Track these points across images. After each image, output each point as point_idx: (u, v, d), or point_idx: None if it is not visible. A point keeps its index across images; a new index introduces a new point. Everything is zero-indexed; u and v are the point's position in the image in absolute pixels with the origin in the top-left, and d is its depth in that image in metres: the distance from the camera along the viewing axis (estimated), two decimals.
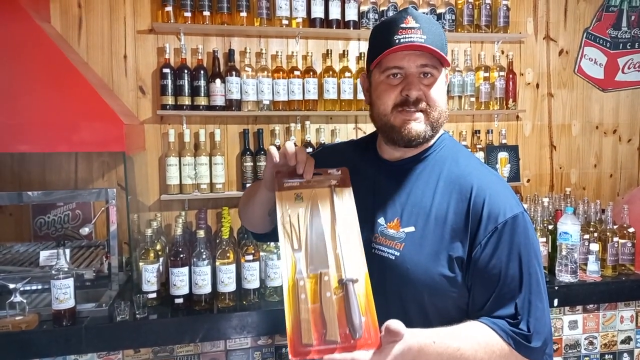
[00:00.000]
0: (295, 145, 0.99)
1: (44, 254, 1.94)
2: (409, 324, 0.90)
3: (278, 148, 0.99)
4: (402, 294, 1.00)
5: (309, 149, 2.44)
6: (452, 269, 0.98)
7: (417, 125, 1.01)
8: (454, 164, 1.06)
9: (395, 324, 0.81)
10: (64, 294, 1.66)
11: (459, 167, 1.06)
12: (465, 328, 0.95)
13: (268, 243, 1.99)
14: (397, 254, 1.01)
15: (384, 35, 1.01)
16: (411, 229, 1.01)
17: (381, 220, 1.05)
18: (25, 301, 1.70)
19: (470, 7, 2.64)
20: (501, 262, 0.97)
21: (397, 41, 0.98)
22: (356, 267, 0.90)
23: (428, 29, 0.99)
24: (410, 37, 0.98)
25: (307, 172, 0.97)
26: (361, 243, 0.93)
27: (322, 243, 0.93)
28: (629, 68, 3.05)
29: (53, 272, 1.67)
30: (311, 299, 0.87)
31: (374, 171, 1.12)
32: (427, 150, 1.09)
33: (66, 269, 1.67)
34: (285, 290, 0.88)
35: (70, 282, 1.67)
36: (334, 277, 0.89)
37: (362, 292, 0.88)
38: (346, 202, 0.97)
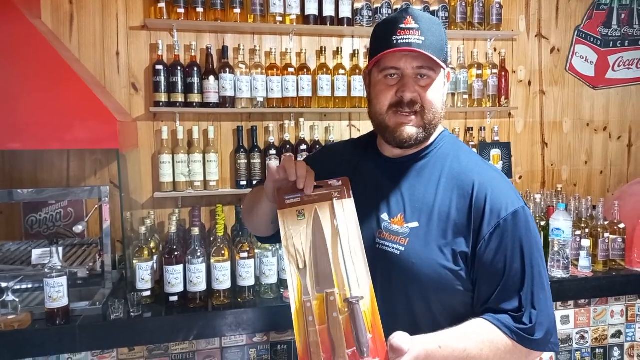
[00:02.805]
0: (295, 159, 0.99)
1: (36, 252, 1.92)
2: (415, 319, 0.91)
3: (280, 152, 0.99)
4: (407, 289, 1.01)
5: (304, 146, 2.44)
6: (457, 263, 1.00)
7: (410, 128, 1.03)
8: (456, 161, 1.07)
9: (398, 340, 0.83)
10: (57, 293, 1.65)
11: (460, 163, 1.07)
12: (469, 327, 0.96)
13: None
14: (402, 249, 1.02)
15: (383, 35, 1.02)
16: (415, 224, 1.02)
17: (384, 216, 1.06)
18: (17, 300, 1.68)
19: (463, 4, 2.65)
20: (505, 256, 0.99)
21: (395, 42, 0.99)
22: (361, 283, 0.92)
23: (428, 30, 1.00)
24: (408, 39, 0.98)
25: (308, 187, 0.97)
26: (364, 255, 0.94)
27: (327, 261, 0.94)
28: (619, 66, 3.09)
29: (46, 270, 1.65)
30: (318, 320, 0.89)
31: (376, 169, 1.12)
32: (428, 147, 1.10)
33: (59, 268, 1.66)
34: (293, 313, 0.90)
35: (63, 280, 1.66)
36: (339, 296, 0.91)
37: (367, 307, 0.90)
38: (348, 213, 0.98)
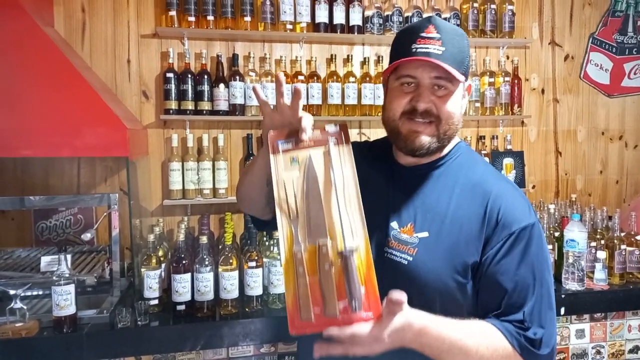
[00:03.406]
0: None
1: (45, 260, 1.93)
2: None
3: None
4: (413, 299, 0.99)
5: None
6: (466, 276, 0.98)
7: (424, 137, 1.01)
8: (471, 172, 1.06)
9: (397, 293, 0.80)
10: (64, 300, 1.65)
11: (475, 174, 1.05)
12: (471, 322, 0.94)
13: (271, 249, 1.97)
14: (410, 258, 1.00)
15: (403, 42, 1.01)
16: (425, 234, 1.00)
17: (394, 225, 1.04)
18: (25, 307, 1.68)
19: (476, 12, 2.63)
20: (512, 268, 0.96)
21: (414, 50, 0.97)
22: (356, 234, 0.86)
23: (449, 41, 0.98)
24: (427, 48, 0.96)
25: (304, 132, 0.91)
26: (361, 206, 0.89)
27: (320, 210, 0.88)
28: (635, 73, 3.03)
29: (54, 278, 1.65)
30: (309, 272, 0.84)
31: (389, 174, 1.11)
32: (443, 158, 1.08)
33: (67, 275, 1.66)
34: (282, 264, 0.86)
35: (71, 288, 1.66)
36: (332, 248, 0.85)
37: (362, 260, 0.85)
38: (345, 162, 0.92)
